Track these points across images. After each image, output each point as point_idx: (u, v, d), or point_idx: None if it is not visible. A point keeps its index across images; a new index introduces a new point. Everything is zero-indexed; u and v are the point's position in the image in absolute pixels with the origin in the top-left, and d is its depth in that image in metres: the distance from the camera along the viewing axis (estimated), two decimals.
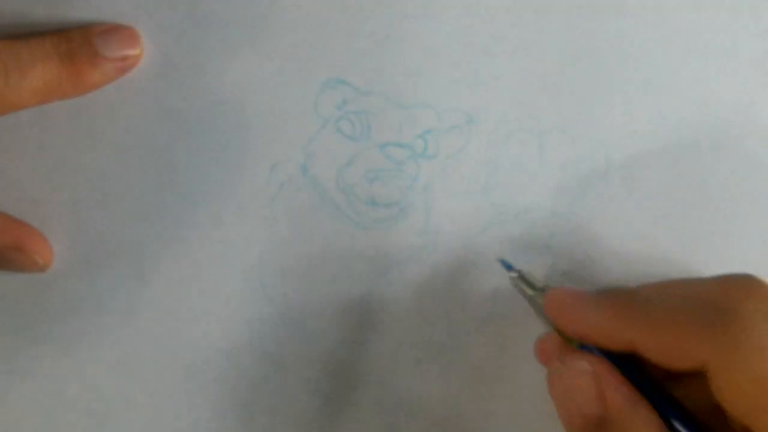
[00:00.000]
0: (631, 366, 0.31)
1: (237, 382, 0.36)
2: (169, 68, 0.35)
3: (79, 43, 0.34)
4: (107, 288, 0.36)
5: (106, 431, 0.36)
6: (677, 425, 0.30)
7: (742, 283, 0.30)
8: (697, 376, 0.29)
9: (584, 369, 0.31)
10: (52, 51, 0.34)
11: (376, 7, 0.35)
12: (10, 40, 0.34)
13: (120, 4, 0.35)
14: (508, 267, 0.35)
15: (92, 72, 0.34)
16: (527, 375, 0.37)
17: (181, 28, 0.35)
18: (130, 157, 0.35)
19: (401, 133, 0.36)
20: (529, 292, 0.34)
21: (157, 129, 0.35)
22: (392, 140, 0.36)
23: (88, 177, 0.35)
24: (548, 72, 0.36)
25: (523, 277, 0.34)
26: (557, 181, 0.36)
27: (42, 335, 0.36)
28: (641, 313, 0.30)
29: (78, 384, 0.36)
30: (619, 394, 0.30)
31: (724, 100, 0.36)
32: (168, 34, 0.35)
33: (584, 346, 0.32)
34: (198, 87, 0.35)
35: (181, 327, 0.36)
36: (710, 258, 0.37)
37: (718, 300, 0.29)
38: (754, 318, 0.28)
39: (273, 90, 0.35)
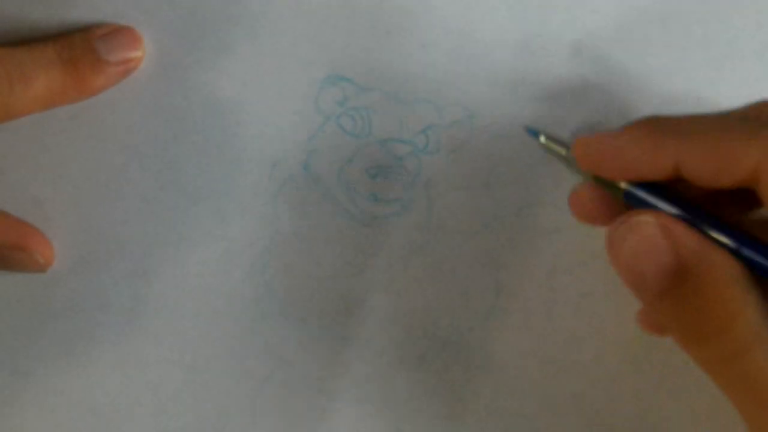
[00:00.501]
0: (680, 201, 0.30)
1: (240, 380, 0.36)
2: (170, 67, 0.35)
3: (81, 49, 0.34)
4: (109, 287, 0.36)
5: (110, 430, 0.36)
6: (747, 253, 0.29)
7: None
8: (744, 197, 0.29)
9: (649, 222, 0.30)
10: (55, 58, 0.34)
11: (376, 3, 0.35)
12: (12, 47, 0.34)
13: (119, 4, 0.35)
14: (534, 133, 0.34)
15: (96, 77, 0.34)
16: (531, 370, 0.37)
17: (180, 27, 0.35)
18: (132, 155, 0.35)
19: (402, 129, 0.36)
20: (562, 151, 0.33)
21: (158, 128, 0.35)
22: (393, 136, 0.36)
23: (90, 176, 0.35)
24: (548, 67, 0.36)
25: (552, 138, 0.33)
26: (558, 176, 0.36)
27: (44, 335, 0.36)
28: (683, 130, 0.29)
29: (81, 383, 0.36)
30: (690, 240, 0.29)
31: (725, 94, 0.36)
32: (168, 32, 0.35)
33: (627, 193, 0.31)
34: (198, 85, 0.35)
35: (184, 325, 0.36)
36: None
37: (761, 113, 0.29)
38: None
39: (273, 87, 0.35)
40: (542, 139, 0.34)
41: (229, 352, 0.36)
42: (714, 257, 0.29)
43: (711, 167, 0.29)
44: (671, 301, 0.29)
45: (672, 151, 0.29)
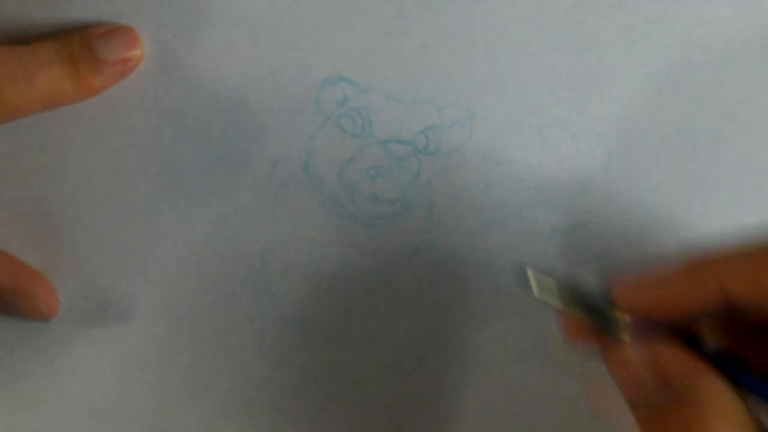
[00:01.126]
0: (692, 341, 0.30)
1: (239, 380, 0.36)
2: (170, 67, 0.35)
3: (80, 48, 0.34)
4: (109, 287, 0.36)
5: (109, 430, 0.36)
6: (752, 385, 0.28)
7: None
8: None
9: (641, 352, 0.30)
10: (55, 57, 0.33)
11: (376, 3, 0.35)
12: (13, 46, 0.33)
13: (120, 3, 0.35)
14: (522, 271, 0.32)
15: (94, 77, 0.34)
16: (530, 371, 0.37)
17: (180, 26, 0.35)
18: (131, 155, 0.35)
19: (402, 129, 0.36)
20: (552, 286, 0.31)
21: (158, 127, 0.35)
22: (393, 137, 0.36)
23: (90, 176, 0.35)
24: (549, 67, 0.36)
25: (538, 273, 0.31)
26: (559, 176, 0.36)
27: (44, 334, 0.36)
28: (727, 256, 0.29)
29: (81, 383, 0.36)
30: (679, 366, 0.29)
31: (725, 93, 0.36)
32: (168, 32, 0.35)
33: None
34: (198, 85, 0.35)
35: (184, 325, 0.36)
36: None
37: None
38: None
39: (274, 88, 0.35)
40: (533, 287, 0.31)
41: (229, 352, 0.36)
42: (703, 384, 0.28)
43: (758, 289, 0.28)
44: (653, 421, 0.29)
45: (715, 279, 0.29)
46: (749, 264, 0.28)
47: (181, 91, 0.35)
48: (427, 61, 0.35)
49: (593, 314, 0.31)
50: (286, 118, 0.35)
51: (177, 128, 0.35)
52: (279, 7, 0.35)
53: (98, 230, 0.36)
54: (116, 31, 0.34)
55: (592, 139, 0.36)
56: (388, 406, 0.37)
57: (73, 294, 0.36)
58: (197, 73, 0.35)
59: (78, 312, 0.36)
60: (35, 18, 0.35)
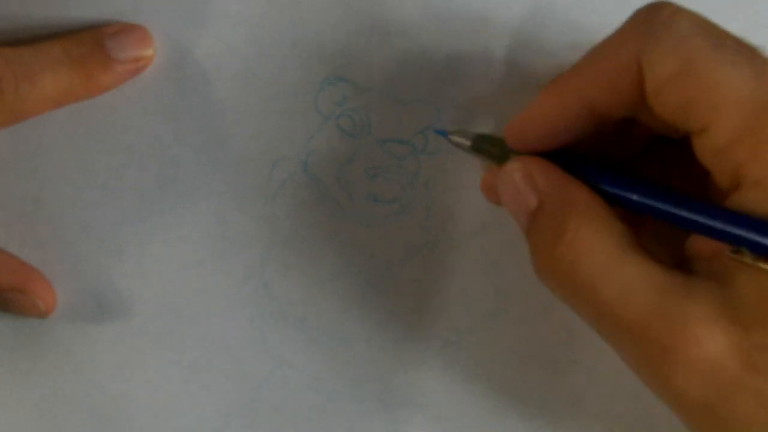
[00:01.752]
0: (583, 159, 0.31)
1: (240, 380, 0.36)
2: (170, 66, 0.35)
3: (90, 47, 0.34)
4: (108, 286, 0.36)
5: (110, 430, 0.36)
6: (607, 188, 0.30)
7: (646, 8, 0.29)
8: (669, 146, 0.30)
9: (515, 167, 0.31)
10: (63, 57, 0.33)
11: (375, 4, 0.35)
12: (18, 47, 0.33)
13: (120, 4, 0.35)
14: (442, 133, 0.35)
15: (105, 75, 0.34)
16: (530, 370, 0.37)
17: (180, 27, 0.35)
18: (131, 155, 0.35)
19: (401, 129, 0.36)
20: (467, 143, 0.34)
21: (158, 127, 0.35)
22: (393, 136, 0.36)
23: (90, 176, 0.35)
24: (548, 68, 0.36)
25: (457, 133, 0.34)
26: None
27: (44, 335, 0.36)
28: (578, 67, 0.30)
29: (80, 384, 0.36)
30: (545, 179, 0.30)
31: None
32: (168, 32, 0.35)
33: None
34: (198, 85, 0.35)
35: (184, 325, 0.36)
36: None
37: (638, 23, 0.29)
38: (675, 17, 0.28)
39: (273, 88, 0.35)
40: (449, 136, 0.34)
41: (229, 352, 0.36)
42: (568, 196, 0.30)
43: (604, 84, 0.29)
44: (532, 238, 0.30)
45: (576, 96, 0.30)
46: (600, 70, 0.29)
47: (181, 91, 0.35)
48: (425, 60, 0.35)
49: (497, 158, 0.33)
50: (286, 118, 0.35)
51: (177, 128, 0.35)
52: (279, 7, 0.35)
53: (98, 230, 0.36)
54: (128, 30, 0.34)
55: None
56: (388, 406, 0.37)
57: (73, 294, 0.36)
58: (197, 73, 0.35)
59: (78, 312, 0.36)
60: (41, 19, 0.35)
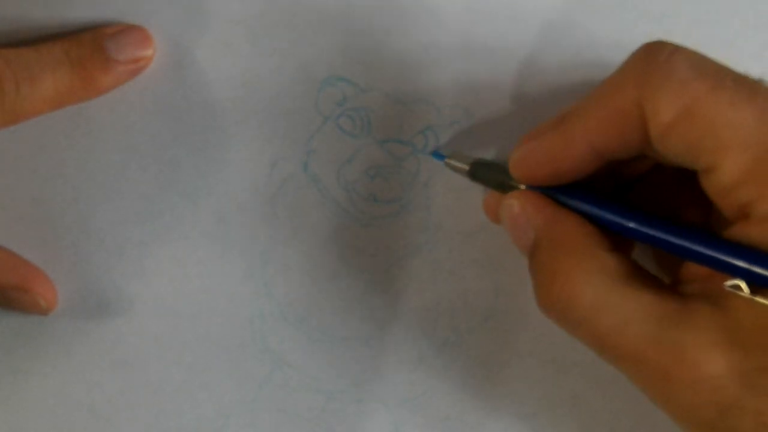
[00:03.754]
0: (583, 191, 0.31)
1: (240, 380, 0.36)
2: (169, 67, 0.35)
3: (90, 48, 0.34)
4: (108, 286, 0.36)
5: (110, 430, 0.36)
6: (602, 215, 0.30)
7: (645, 49, 0.29)
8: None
9: (513, 203, 0.32)
10: (63, 58, 0.33)
11: (375, 4, 0.35)
12: (18, 48, 0.33)
13: (120, 4, 0.35)
14: (440, 157, 0.35)
15: (105, 76, 0.34)
16: (530, 370, 0.37)
17: (180, 27, 0.35)
18: (131, 155, 0.35)
19: (402, 129, 0.36)
20: (465, 168, 0.34)
21: (158, 127, 0.35)
22: (393, 137, 0.36)
23: (89, 176, 0.35)
24: (548, 68, 0.36)
25: (455, 157, 0.35)
26: None
27: (44, 334, 0.36)
28: (582, 108, 0.30)
29: (80, 383, 0.36)
30: (540, 216, 0.31)
31: None
32: (167, 32, 0.35)
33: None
34: (198, 85, 0.35)
35: (184, 325, 0.36)
36: None
37: (637, 66, 0.29)
38: (673, 58, 0.28)
39: (273, 88, 0.35)
40: (446, 161, 0.35)
41: (229, 352, 0.36)
42: (561, 234, 0.30)
43: (608, 130, 0.30)
44: (532, 274, 0.31)
45: (582, 137, 0.30)
46: (602, 115, 0.30)
47: (181, 91, 0.35)
48: (426, 61, 0.35)
49: (495, 185, 0.33)
50: (286, 118, 0.35)
51: (177, 128, 0.35)
52: (279, 7, 0.35)
53: (98, 230, 0.36)
54: (127, 31, 0.34)
55: None
56: (388, 406, 0.37)
57: (73, 294, 0.36)
58: (197, 73, 0.35)
59: (78, 312, 0.36)
60: (40, 20, 0.35)
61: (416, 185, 0.36)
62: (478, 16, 0.35)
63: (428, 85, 0.35)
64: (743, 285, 0.27)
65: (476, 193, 0.36)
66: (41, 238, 0.36)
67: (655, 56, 0.29)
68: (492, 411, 0.37)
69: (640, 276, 0.30)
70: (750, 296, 0.27)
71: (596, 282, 0.29)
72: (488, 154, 0.36)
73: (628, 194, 0.34)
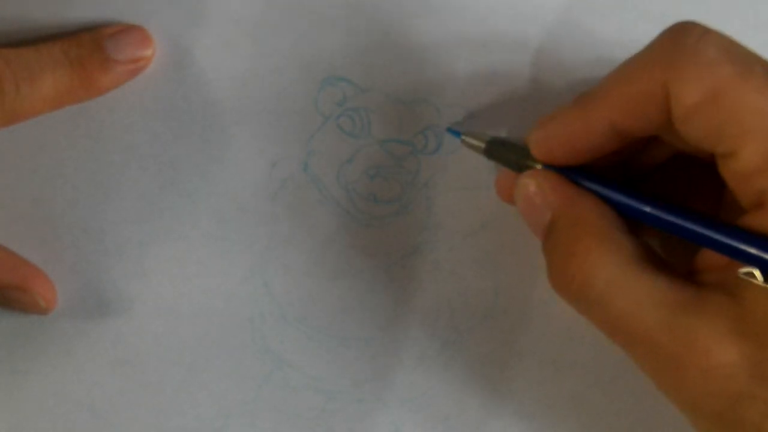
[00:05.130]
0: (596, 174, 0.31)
1: (240, 380, 0.36)
2: (169, 67, 0.35)
3: (90, 48, 0.34)
4: (108, 286, 0.36)
5: (109, 430, 0.36)
6: (618, 198, 0.30)
7: (674, 30, 0.29)
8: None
9: (529, 182, 0.32)
10: (62, 57, 0.34)
11: (375, 4, 0.35)
12: (18, 48, 0.34)
13: (120, 4, 0.35)
14: (456, 134, 0.35)
15: (104, 76, 0.34)
16: (530, 370, 0.37)
17: (180, 27, 0.35)
18: (131, 155, 0.35)
19: (402, 129, 0.36)
20: (481, 145, 0.34)
21: (158, 127, 0.35)
22: (393, 137, 0.36)
23: (89, 176, 0.35)
24: (547, 68, 0.36)
25: (471, 135, 0.34)
26: None
27: (44, 334, 0.36)
28: (604, 85, 0.30)
29: (80, 383, 0.36)
30: (557, 195, 0.31)
31: None
32: (167, 32, 0.35)
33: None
34: (198, 85, 0.35)
35: (184, 325, 0.36)
36: None
37: (665, 46, 0.29)
38: (702, 41, 0.28)
39: (273, 88, 0.35)
40: (463, 137, 0.34)
41: (229, 352, 0.36)
42: (579, 214, 0.30)
43: (630, 108, 0.29)
44: (547, 254, 0.31)
45: (602, 115, 0.30)
46: (626, 94, 0.29)
47: (181, 91, 0.35)
48: (425, 61, 0.35)
49: (511, 164, 0.33)
50: (286, 118, 0.35)
51: (177, 128, 0.35)
52: (279, 7, 0.35)
53: (98, 230, 0.36)
54: (127, 31, 0.34)
55: None
56: (388, 406, 0.37)
57: (73, 294, 0.36)
58: (197, 73, 0.35)
59: (78, 312, 0.36)
60: (40, 20, 0.35)
61: (416, 185, 0.36)
62: (478, 16, 0.35)
63: (428, 85, 0.35)
64: (757, 273, 0.27)
65: (476, 192, 0.36)
66: (41, 238, 0.36)
67: (685, 38, 0.29)
68: (492, 411, 0.37)
69: (655, 261, 0.30)
70: (764, 284, 0.27)
71: (612, 263, 0.29)
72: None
73: (641, 185, 0.34)
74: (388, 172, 0.36)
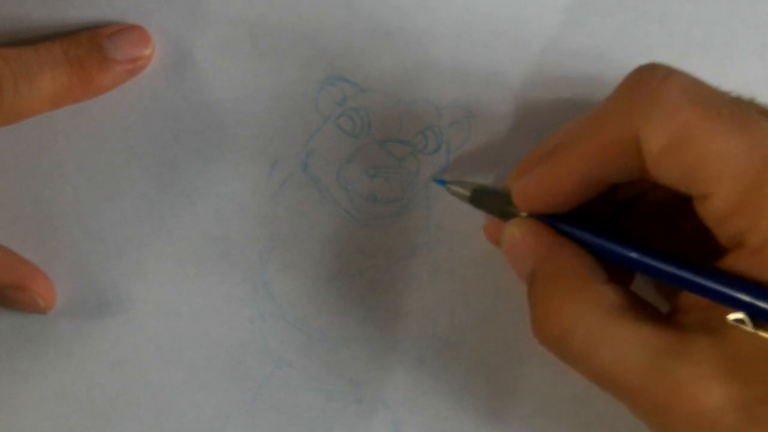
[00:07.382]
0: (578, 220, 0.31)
1: (239, 380, 0.36)
2: (169, 67, 0.35)
3: (88, 48, 0.34)
4: (108, 286, 0.36)
5: (110, 430, 0.36)
6: (600, 244, 0.30)
7: (637, 73, 0.29)
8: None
9: (513, 231, 0.32)
10: (61, 57, 0.34)
11: (375, 4, 0.35)
12: (17, 47, 0.34)
13: (120, 4, 0.35)
14: (441, 183, 0.35)
15: (103, 76, 0.34)
16: (530, 370, 0.37)
17: (180, 27, 0.35)
18: (131, 155, 0.35)
19: (402, 129, 0.36)
20: (467, 194, 0.34)
21: (158, 127, 0.35)
22: (393, 137, 0.36)
23: (90, 176, 0.35)
24: (548, 67, 0.36)
25: (456, 183, 0.35)
26: None
27: (44, 334, 0.36)
28: (575, 140, 0.30)
29: (80, 383, 0.36)
30: (538, 244, 0.31)
31: None
32: (167, 32, 0.35)
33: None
34: (198, 85, 0.35)
35: (183, 325, 0.36)
36: None
37: (630, 91, 0.29)
38: (665, 84, 0.28)
39: (273, 88, 0.35)
40: (448, 186, 0.35)
41: (229, 352, 0.36)
42: (558, 265, 0.30)
43: (606, 158, 0.29)
44: (530, 305, 0.31)
45: (577, 167, 0.30)
46: (597, 145, 0.29)
47: (181, 91, 0.35)
48: (426, 60, 0.35)
49: (496, 211, 0.33)
50: (286, 118, 0.35)
51: (177, 128, 0.35)
52: (279, 7, 0.35)
53: (98, 230, 0.36)
54: (126, 31, 0.34)
55: None
56: (388, 406, 0.37)
57: (73, 294, 0.36)
58: (197, 73, 0.35)
59: (78, 312, 0.36)
60: (40, 20, 0.35)
61: (416, 185, 0.36)
62: (478, 16, 0.35)
63: (428, 85, 0.35)
64: (746, 319, 0.27)
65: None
66: (41, 238, 0.36)
67: (647, 81, 0.28)
68: (492, 411, 0.37)
69: (637, 308, 0.29)
70: (753, 331, 0.27)
71: (589, 317, 0.29)
72: (489, 155, 0.36)
73: (631, 209, 0.34)
74: (388, 172, 0.36)
